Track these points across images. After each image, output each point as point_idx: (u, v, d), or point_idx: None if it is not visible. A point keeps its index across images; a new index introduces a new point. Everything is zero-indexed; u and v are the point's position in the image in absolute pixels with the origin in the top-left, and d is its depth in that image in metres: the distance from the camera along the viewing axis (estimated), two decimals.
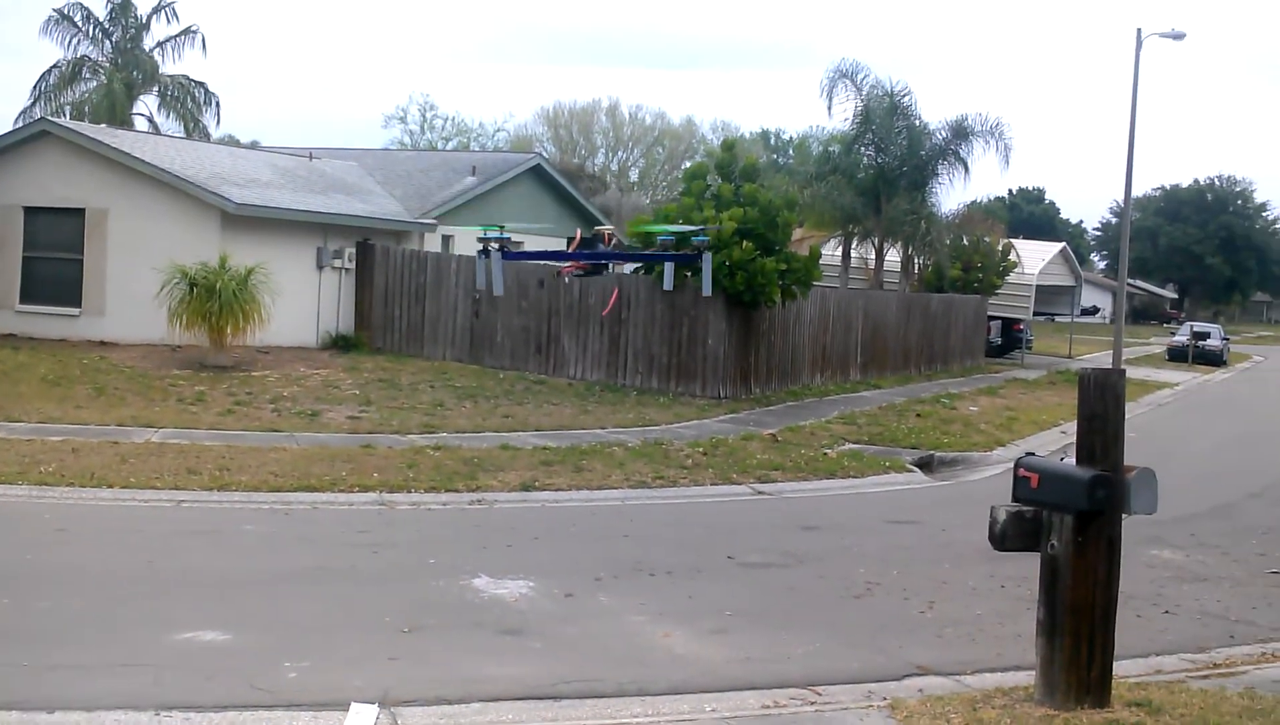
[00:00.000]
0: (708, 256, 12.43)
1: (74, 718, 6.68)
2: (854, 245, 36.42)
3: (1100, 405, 6.97)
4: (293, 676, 7.55)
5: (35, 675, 7.35)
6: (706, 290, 13.58)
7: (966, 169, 35.47)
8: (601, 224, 34.70)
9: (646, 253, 12.51)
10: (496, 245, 12.50)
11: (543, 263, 24.57)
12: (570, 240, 12.25)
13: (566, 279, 13.79)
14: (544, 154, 46.09)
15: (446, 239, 29.33)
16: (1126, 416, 7.15)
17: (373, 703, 7.09)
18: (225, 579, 9.86)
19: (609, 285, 23.81)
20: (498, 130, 73.81)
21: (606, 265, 12.47)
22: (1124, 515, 7.00)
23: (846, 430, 19.94)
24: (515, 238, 28.44)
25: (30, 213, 24.95)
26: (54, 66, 46.72)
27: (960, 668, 8.35)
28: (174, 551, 10.74)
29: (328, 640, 8.35)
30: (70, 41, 46.63)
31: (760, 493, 14.81)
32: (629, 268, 12.75)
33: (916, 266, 36.90)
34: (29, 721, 6.59)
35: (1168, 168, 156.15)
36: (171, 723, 6.70)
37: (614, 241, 12.53)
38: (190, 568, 10.16)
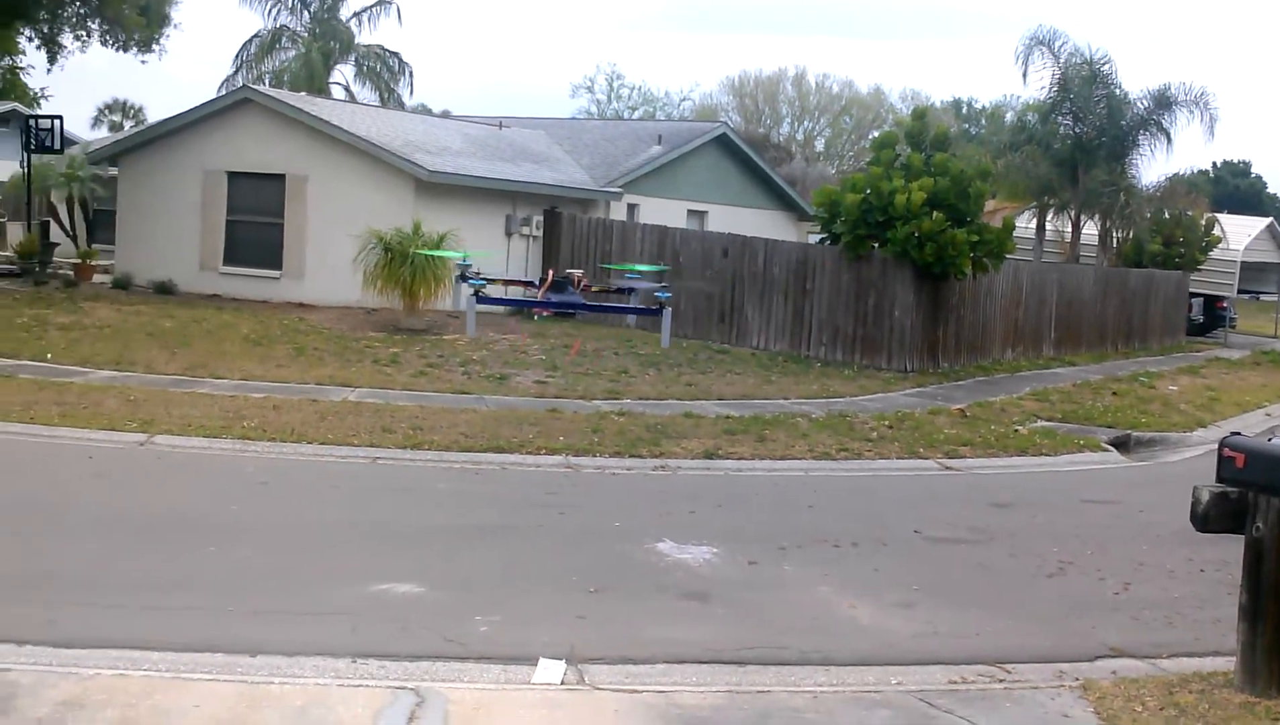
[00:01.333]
0: (667, 312, 11.90)
1: (275, 661, 6.92)
2: (1049, 217, 35.38)
3: None
4: (483, 630, 7.71)
5: (238, 620, 7.65)
6: (665, 342, 12.86)
7: (1169, 140, 34.06)
8: (787, 194, 34.47)
9: (612, 306, 12.08)
10: (464, 274, 11.89)
11: (728, 232, 24.49)
12: (542, 280, 11.94)
13: (535, 318, 13.22)
14: (729, 123, 45.91)
15: (632, 207, 29.50)
16: None
17: (560, 659, 7.19)
18: (418, 534, 10.12)
19: (793, 258, 23.63)
20: (683, 100, 73.88)
21: (572, 312, 11.86)
22: None
23: (1039, 407, 19.41)
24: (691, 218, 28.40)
25: (234, 177, 25.94)
26: (254, 36, 48.47)
27: (1156, 651, 8.07)
28: (369, 506, 11.07)
29: (517, 597, 8.50)
30: (271, 11, 48.30)
31: (948, 468, 14.53)
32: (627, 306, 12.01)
33: (1114, 240, 35.64)
34: (233, 664, 6.86)
35: None
36: (368, 669, 6.91)
37: (583, 284, 12.14)
38: (385, 522, 10.46)
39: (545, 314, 12.23)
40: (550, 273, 12.04)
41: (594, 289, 12.21)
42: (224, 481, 11.58)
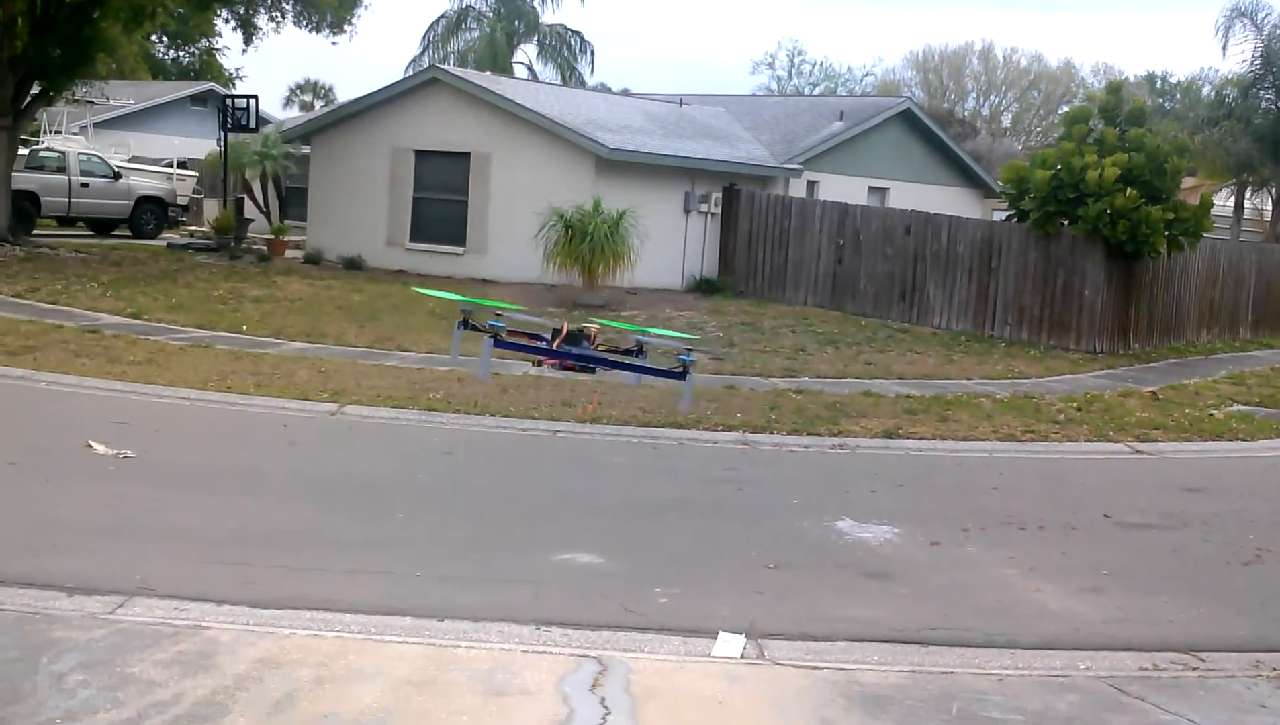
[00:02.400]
0: (690, 377, 11.34)
1: (462, 626, 7.06)
2: (1248, 195, 33.96)
3: None
4: (663, 602, 7.75)
5: (427, 585, 7.84)
6: (684, 407, 12.14)
7: None
8: (972, 170, 33.73)
9: (628, 364, 11.57)
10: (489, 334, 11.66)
11: (910, 209, 24.10)
12: (556, 332, 11.59)
13: (545, 370, 12.60)
14: (912, 98, 45.07)
15: (812, 184, 29.24)
16: None
17: (740, 633, 7.17)
18: (599, 506, 10.22)
19: (978, 236, 23.14)
20: (865, 75, 72.92)
21: (593, 367, 11.29)
22: None
23: (1235, 391, 18.64)
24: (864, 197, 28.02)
25: (420, 156, 26.54)
26: (441, 17, 49.56)
27: None
28: (550, 478, 11.23)
29: (695, 570, 8.51)
30: None
31: (1139, 452, 14.04)
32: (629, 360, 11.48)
33: None
34: (421, 627, 7.02)
35: None
36: (550, 637, 7.00)
37: (598, 341, 11.70)
38: (566, 493, 10.59)
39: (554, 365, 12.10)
40: (565, 327, 11.96)
41: (602, 348, 12.09)
42: (411, 451, 11.88)
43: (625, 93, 41.23)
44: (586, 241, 21.94)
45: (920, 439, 13.69)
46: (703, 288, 25.79)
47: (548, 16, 49.61)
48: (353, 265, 26.23)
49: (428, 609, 7.28)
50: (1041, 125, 67.07)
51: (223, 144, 29.71)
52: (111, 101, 41.04)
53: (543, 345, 12.06)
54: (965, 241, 23.23)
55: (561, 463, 11.89)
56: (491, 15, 49.05)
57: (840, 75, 72.95)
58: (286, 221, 30.45)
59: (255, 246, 28.97)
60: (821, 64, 73.97)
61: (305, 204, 29.08)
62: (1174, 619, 8.10)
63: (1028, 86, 70.04)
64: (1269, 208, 33.65)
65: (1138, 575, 9.14)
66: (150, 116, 44.40)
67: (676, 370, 11.88)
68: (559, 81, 47.10)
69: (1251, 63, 32.51)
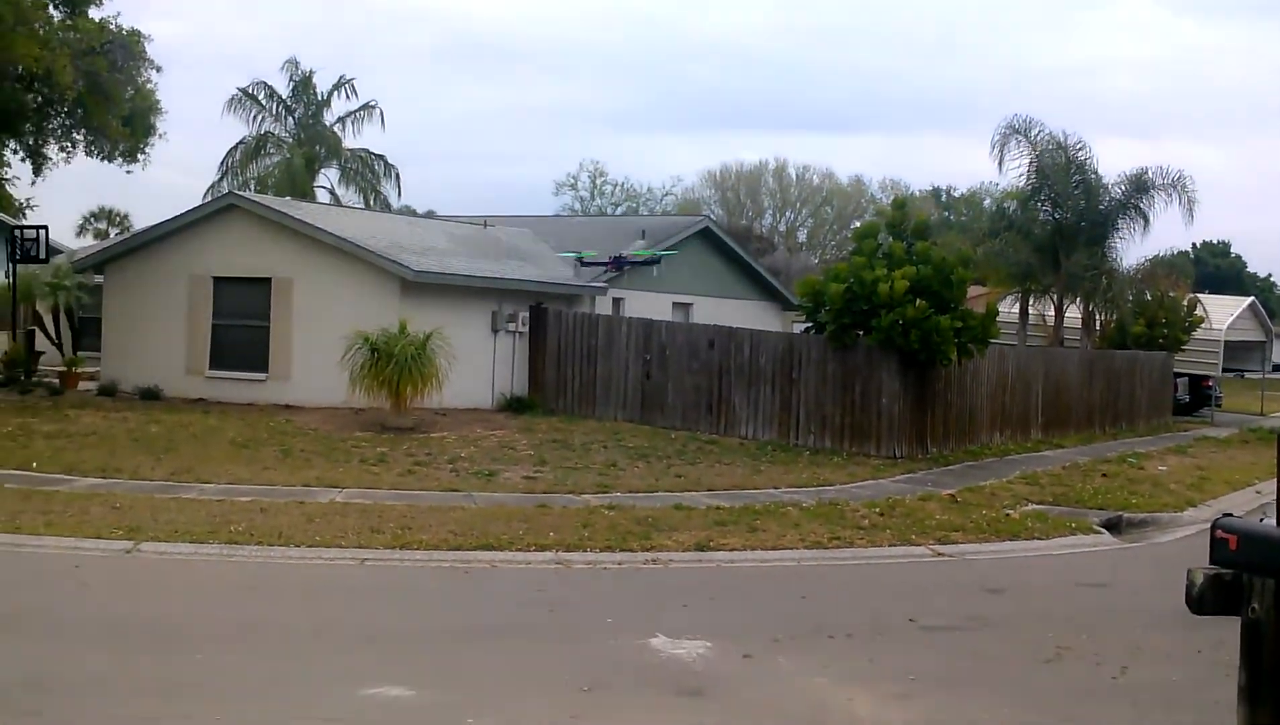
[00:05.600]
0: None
1: None
2: (1031, 302, 35.64)
3: None
4: None
5: None
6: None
7: (1147, 223, 34.48)
8: (771, 284, 34.67)
9: None
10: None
11: (713, 323, 24.54)
12: None
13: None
14: (711, 216, 46.28)
15: (617, 301, 29.63)
16: None
17: None
18: (408, 635, 10.00)
19: (779, 348, 23.72)
20: (665, 194, 74.55)
21: None
22: None
23: (1029, 490, 19.38)
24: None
25: (219, 282, 26.01)
26: (239, 143, 48.87)
27: None
28: (359, 608, 10.96)
29: (509, 697, 8.38)
30: (255, 118, 48.72)
31: (940, 554, 14.45)
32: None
33: (1098, 322, 35.90)
34: None
35: None
36: None
37: None
38: (374, 624, 10.34)
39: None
40: None
41: None
42: (212, 587, 11.47)
43: (430, 214, 41.31)
44: (393, 364, 21.73)
45: (731, 550, 13.83)
46: (513, 406, 25.76)
47: (350, 141, 49.55)
48: (150, 395, 25.41)
49: None
50: (836, 239, 69.54)
51: (11, 276, 28.64)
52: None
53: None
54: (767, 353, 23.78)
55: (370, 591, 11.62)
56: (291, 140, 48.75)
57: (641, 194, 74.51)
58: (80, 353, 29.35)
59: (47, 380, 27.84)
60: (623, 184, 75.37)
61: (100, 334, 28.13)
62: (980, 720, 8.30)
63: (821, 202, 72.69)
64: (1052, 313, 35.30)
65: (944, 678, 9.34)
66: None
67: None
68: (363, 205, 46.91)
69: (1027, 176, 34.29)
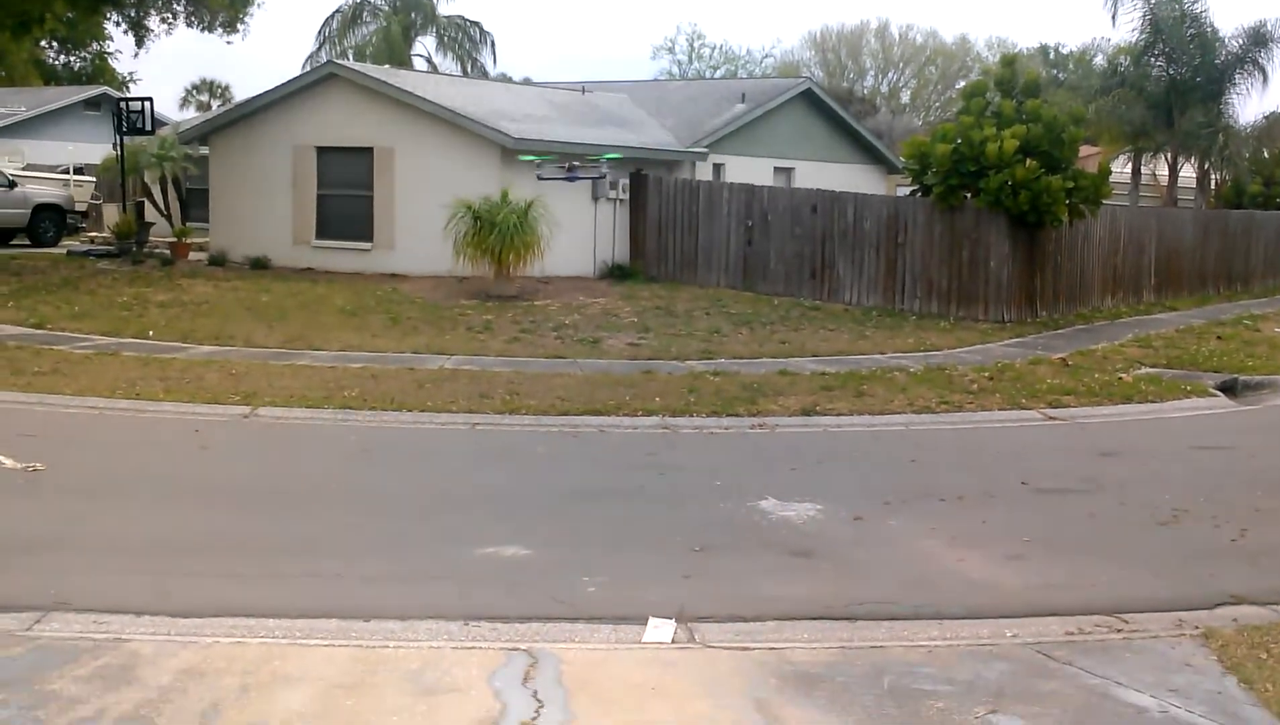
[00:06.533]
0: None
1: (389, 626, 6.97)
2: (1145, 161, 34.66)
3: None
4: (591, 591, 7.71)
5: (351, 586, 7.73)
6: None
7: (1266, 77, 33.27)
8: (875, 147, 34.03)
9: None
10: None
11: (816, 188, 24.19)
12: None
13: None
14: (812, 78, 45.33)
15: (718, 167, 29.31)
16: None
17: (669, 618, 7.16)
18: (521, 497, 10.16)
19: (884, 212, 23.34)
20: (765, 57, 73.12)
21: None
22: None
23: (1142, 353, 19.01)
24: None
25: (322, 152, 26.15)
26: (336, 11, 48.81)
27: (1278, 597, 7.84)
28: (471, 471, 11.14)
29: (622, 557, 8.49)
30: None
31: (1052, 418, 14.26)
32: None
33: (1213, 182, 34.82)
34: (347, 629, 6.92)
35: None
36: (479, 632, 6.93)
37: None
38: (487, 486, 10.51)
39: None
40: None
41: None
42: (328, 450, 11.72)
43: (527, 82, 40.99)
44: (495, 232, 21.76)
45: (838, 415, 13.78)
46: (615, 274, 25.75)
47: (445, 8, 49.25)
48: (259, 265, 25.82)
49: (353, 610, 7.18)
50: (940, 100, 67.91)
51: (119, 148, 29.05)
52: (3, 110, 39.99)
53: None
54: (872, 218, 23.42)
55: (481, 455, 11.79)
56: (387, 8, 48.49)
57: (740, 58, 73.17)
58: (189, 224, 29.85)
59: (158, 251, 28.40)
60: (721, 47, 74.16)
61: (207, 205, 28.53)
62: (1096, 583, 8.22)
63: (924, 62, 70.84)
64: (1165, 173, 34.33)
65: (1058, 540, 9.27)
66: (43, 123, 43.37)
67: None
68: (459, 73, 46.70)
69: (1140, 31, 33.15)
